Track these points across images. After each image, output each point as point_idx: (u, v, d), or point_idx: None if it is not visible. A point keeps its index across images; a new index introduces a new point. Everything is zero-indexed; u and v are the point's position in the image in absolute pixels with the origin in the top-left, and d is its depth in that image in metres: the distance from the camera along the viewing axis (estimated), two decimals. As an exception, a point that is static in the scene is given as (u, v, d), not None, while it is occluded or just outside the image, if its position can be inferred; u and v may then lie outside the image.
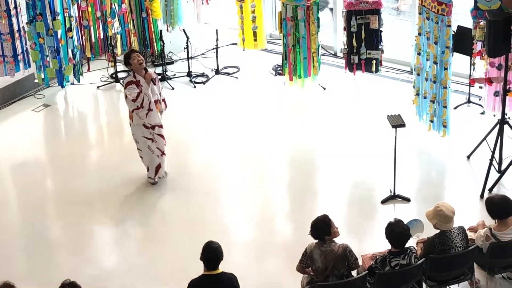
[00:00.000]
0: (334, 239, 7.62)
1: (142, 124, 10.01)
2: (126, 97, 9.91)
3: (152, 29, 13.31)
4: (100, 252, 9.33)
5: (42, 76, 12.53)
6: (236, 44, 13.57)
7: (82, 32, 12.72)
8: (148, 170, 10.39)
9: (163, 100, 10.23)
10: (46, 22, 11.93)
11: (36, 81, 12.73)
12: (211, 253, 7.17)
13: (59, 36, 12.13)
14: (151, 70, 10.21)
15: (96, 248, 9.40)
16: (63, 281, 6.91)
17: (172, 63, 13.72)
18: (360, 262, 7.89)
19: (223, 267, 7.23)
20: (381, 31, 11.81)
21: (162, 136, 10.22)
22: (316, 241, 7.63)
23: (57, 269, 8.93)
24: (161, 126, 10.17)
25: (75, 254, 9.26)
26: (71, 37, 12.32)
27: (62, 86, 12.69)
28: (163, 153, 10.31)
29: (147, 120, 9.96)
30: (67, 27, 12.22)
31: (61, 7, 12.04)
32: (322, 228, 7.56)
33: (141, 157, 10.34)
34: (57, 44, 12.15)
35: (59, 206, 10.20)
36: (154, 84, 9.97)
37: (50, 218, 10.06)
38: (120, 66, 13.47)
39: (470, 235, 8.15)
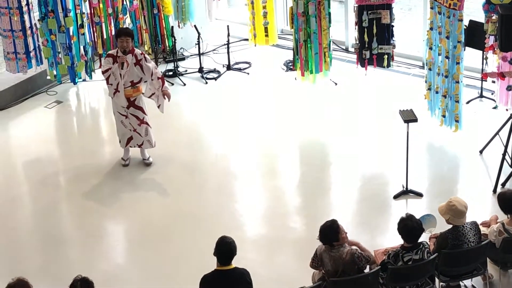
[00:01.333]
0: (343, 244, 7.59)
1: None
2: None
3: (164, 25, 13.32)
4: (113, 249, 9.36)
5: (54, 72, 12.57)
6: (247, 39, 13.57)
7: (94, 28, 12.74)
8: (120, 143, 10.69)
9: (159, 78, 10.40)
10: (58, 19, 11.96)
11: (48, 77, 12.76)
12: (225, 248, 7.17)
13: (71, 33, 12.16)
14: (138, 51, 10.36)
15: (108, 243, 9.43)
16: (75, 277, 6.92)
17: (183, 59, 13.73)
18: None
19: (235, 262, 7.23)
20: (392, 26, 11.77)
21: (136, 117, 10.48)
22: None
23: (70, 265, 8.96)
24: (137, 108, 10.44)
25: (88, 250, 9.29)
26: (83, 34, 12.34)
27: (74, 83, 12.72)
28: (134, 130, 10.55)
29: (114, 99, 10.37)
30: (79, 24, 12.24)
31: (72, 4, 12.07)
32: (330, 234, 7.52)
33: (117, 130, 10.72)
34: (69, 41, 12.17)
35: (72, 202, 10.23)
36: (122, 68, 10.16)
37: (63, 214, 10.10)
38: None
39: (483, 230, 8.12)
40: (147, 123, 10.57)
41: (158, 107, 10.58)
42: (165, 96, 10.44)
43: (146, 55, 10.41)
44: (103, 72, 10.30)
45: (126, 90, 10.30)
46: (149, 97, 10.53)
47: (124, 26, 12.79)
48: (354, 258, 7.48)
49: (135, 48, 10.29)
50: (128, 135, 10.59)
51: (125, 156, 10.79)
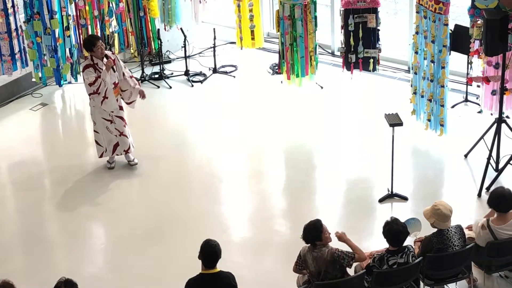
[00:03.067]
0: (326, 244, 7.59)
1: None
2: (84, 80, 10.18)
3: (150, 28, 13.30)
4: (97, 251, 9.34)
5: (40, 75, 12.52)
6: (233, 43, 13.57)
7: (80, 31, 12.71)
8: (103, 153, 10.58)
9: (131, 77, 10.47)
10: (44, 21, 11.92)
11: (33, 80, 12.72)
12: (210, 251, 7.15)
13: (56, 35, 12.12)
14: (109, 52, 10.40)
15: (93, 246, 9.41)
16: (59, 279, 6.91)
17: (169, 62, 13.72)
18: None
19: (221, 265, 7.23)
20: (378, 30, 11.81)
21: (121, 118, 10.45)
22: (309, 245, 7.63)
23: (54, 267, 8.93)
24: (121, 108, 10.41)
25: (72, 253, 9.26)
26: (69, 36, 12.31)
27: (60, 85, 12.68)
28: (121, 134, 10.48)
29: (102, 107, 10.26)
30: (64, 26, 12.21)
31: (58, 6, 12.03)
32: (313, 233, 7.53)
33: (96, 141, 10.55)
34: (54, 43, 12.14)
35: (56, 204, 10.19)
36: (114, 71, 10.21)
37: (48, 217, 10.06)
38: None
39: (468, 233, 8.15)
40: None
41: (129, 103, 10.60)
42: (140, 95, 10.50)
43: (115, 54, 10.45)
44: (91, 84, 10.05)
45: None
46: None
47: (113, 29, 12.79)
48: (334, 257, 7.48)
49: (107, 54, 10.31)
50: (114, 141, 10.52)
51: (111, 159, 10.77)
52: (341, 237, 7.80)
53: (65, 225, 9.80)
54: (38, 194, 10.40)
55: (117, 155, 10.65)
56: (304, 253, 7.63)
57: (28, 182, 10.61)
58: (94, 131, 10.54)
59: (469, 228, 8.37)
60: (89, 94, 10.21)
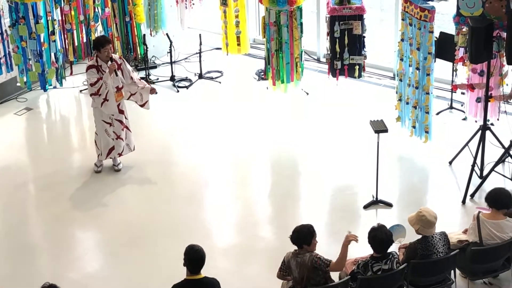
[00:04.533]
0: (311, 251, 7.59)
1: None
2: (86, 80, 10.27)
3: (136, 33, 13.29)
4: (81, 257, 9.29)
5: (25, 79, 12.46)
6: (219, 48, 13.57)
7: (65, 35, 12.67)
8: (99, 156, 10.61)
9: (139, 79, 10.55)
10: (29, 26, 11.88)
11: (18, 84, 12.65)
12: (194, 256, 7.13)
13: (42, 40, 12.08)
14: (115, 56, 10.40)
15: (77, 252, 9.37)
16: (43, 284, 6.88)
17: (155, 67, 13.70)
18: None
19: (205, 271, 7.22)
20: (364, 37, 11.84)
21: (120, 121, 10.48)
22: (293, 250, 7.62)
23: (38, 273, 8.89)
24: (121, 112, 10.43)
25: (56, 258, 9.23)
26: (54, 41, 12.27)
27: (45, 90, 12.64)
28: (118, 137, 10.50)
29: (102, 109, 10.29)
30: (50, 31, 12.16)
31: (44, 11, 11.99)
32: (305, 236, 7.53)
33: (95, 142, 10.59)
34: (40, 48, 12.09)
35: (41, 209, 10.16)
36: (116, 75, 10.21)
37: (31, 222, 10.02)
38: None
39: (457, 237, 8.20)
40: (127, 127, 10.59)
41: (142, 105, 10.64)
42: (152, 92, 10.54)
43: (123, 58, 10.45)
44: (93, 84, 10.12)
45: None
46: (128, 98, 10.54)
47: (99, 34, 12.75)
48: (313, 263, 7.49)
49: (113, 56, 10.32)
50: (110, 145, 10.52)
51: (99, 162, 10.74)
52: (347, 239, 7.72)
53: (49, 230, 9.76)
54: (21, 199, 10.35)
55: (110, 158, 10.65)
56: (288, 259, 7.63)
57: (12, 187, 10.56)
58: (95, 133, 10.60)
59: (464, 232, 8.41)
60: (90, 95, 10.28)
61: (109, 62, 10.17)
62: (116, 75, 10.23)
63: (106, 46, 10.12)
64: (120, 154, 10.67)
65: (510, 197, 8.15)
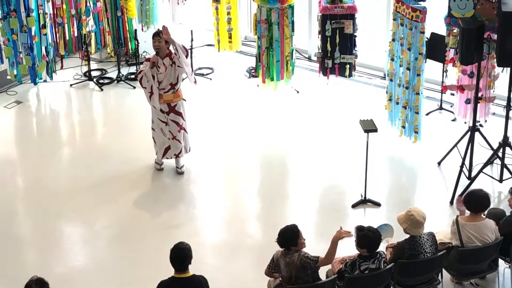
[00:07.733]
0: (299, 250, 7.60)
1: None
2: None
3: (127, 28, 13.28)
4: (69, 251, 9.28)
5: (15, 72, 12.45)
6: (211, 45, 13.56)
7: (56, 29, 12.66)
8: (157, 153, 10.54)
9: (191, 74, 10.40)
10: (20, 19, 11.85)
11: (8, 77, 12.64)
12: (180, 254, 7.12)
13: (33, 33, 12.06)
14: (171, 48, 10.14)
15: (65, 246, 9.35)
16: (30, 278, 6.86)
17: (146, 62, 13.67)
18: (329, 266, 7.92)
19: (193, 267, 7.22)
20: (355, 36, 11.86)
21: (176, 122, 10.33)
22: (283, 249, 7.63)
23: (25, 267, 8.87)
24: (178, 114, 10.30)
25: (43, 252, 9.21)
26: (45, 34, 12.25)
27: (35, 83, 12.62)
28: (174, 138, 10.37)
29: (150, 103, 10.16)
30: (41, 24, 12.15)
31: (35, 4, 11.97)
32: (290, 238, 7.52)
33: (153, 138, 10.49)
34: (30, 41, 12.07)
35: (29, 203, 10.13)
36: (158, 70, 9.98)
37: (19, 216, 10.00)
38: (94, 65, 13.44)
39: (440, 239, 8.22)
40: (184, 129, 10.48)
41: (195, 82, 10.55)
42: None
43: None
44: (137, 75, 10.16)
45: (166, 95, 10.15)
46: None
47: (91, 28, 12.72)
48: (302, 262, 7.50)
49: (171, 51, 10.08)
50: (166, 144, 10.39)
51: (159, 161, 10.64)
52: (339, 235, 7.71)
53: (37, 224, 9.74)
54: (10, 193, 10.32)
55: (166, 158, 10.53)
56: (277, 257, 7.63)
57: (0, 181, 10.53)
58: (152, 128, 10.46)
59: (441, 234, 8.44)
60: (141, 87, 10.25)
61: (164, 60, 9.98)
62: (152, 68, 9.93)
63: (155, 38, 10.00)
64: (177, 156, 10.51)
65: (488, 198, 8.17)
